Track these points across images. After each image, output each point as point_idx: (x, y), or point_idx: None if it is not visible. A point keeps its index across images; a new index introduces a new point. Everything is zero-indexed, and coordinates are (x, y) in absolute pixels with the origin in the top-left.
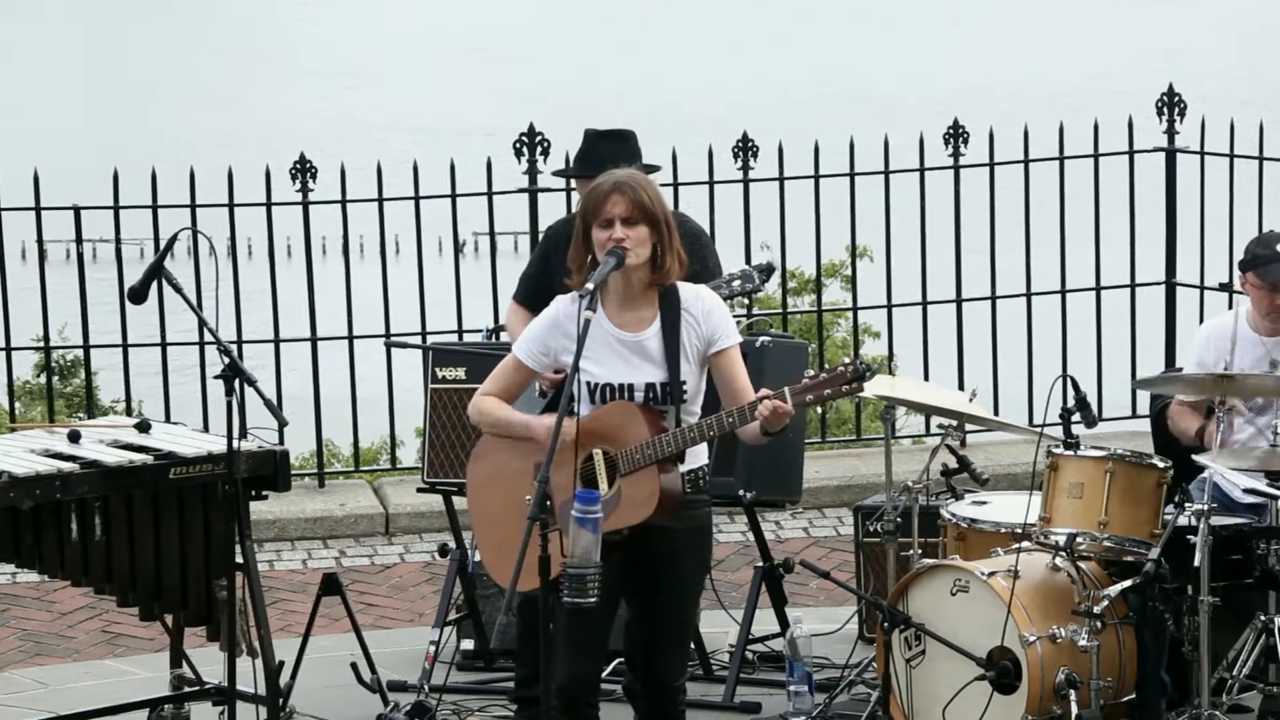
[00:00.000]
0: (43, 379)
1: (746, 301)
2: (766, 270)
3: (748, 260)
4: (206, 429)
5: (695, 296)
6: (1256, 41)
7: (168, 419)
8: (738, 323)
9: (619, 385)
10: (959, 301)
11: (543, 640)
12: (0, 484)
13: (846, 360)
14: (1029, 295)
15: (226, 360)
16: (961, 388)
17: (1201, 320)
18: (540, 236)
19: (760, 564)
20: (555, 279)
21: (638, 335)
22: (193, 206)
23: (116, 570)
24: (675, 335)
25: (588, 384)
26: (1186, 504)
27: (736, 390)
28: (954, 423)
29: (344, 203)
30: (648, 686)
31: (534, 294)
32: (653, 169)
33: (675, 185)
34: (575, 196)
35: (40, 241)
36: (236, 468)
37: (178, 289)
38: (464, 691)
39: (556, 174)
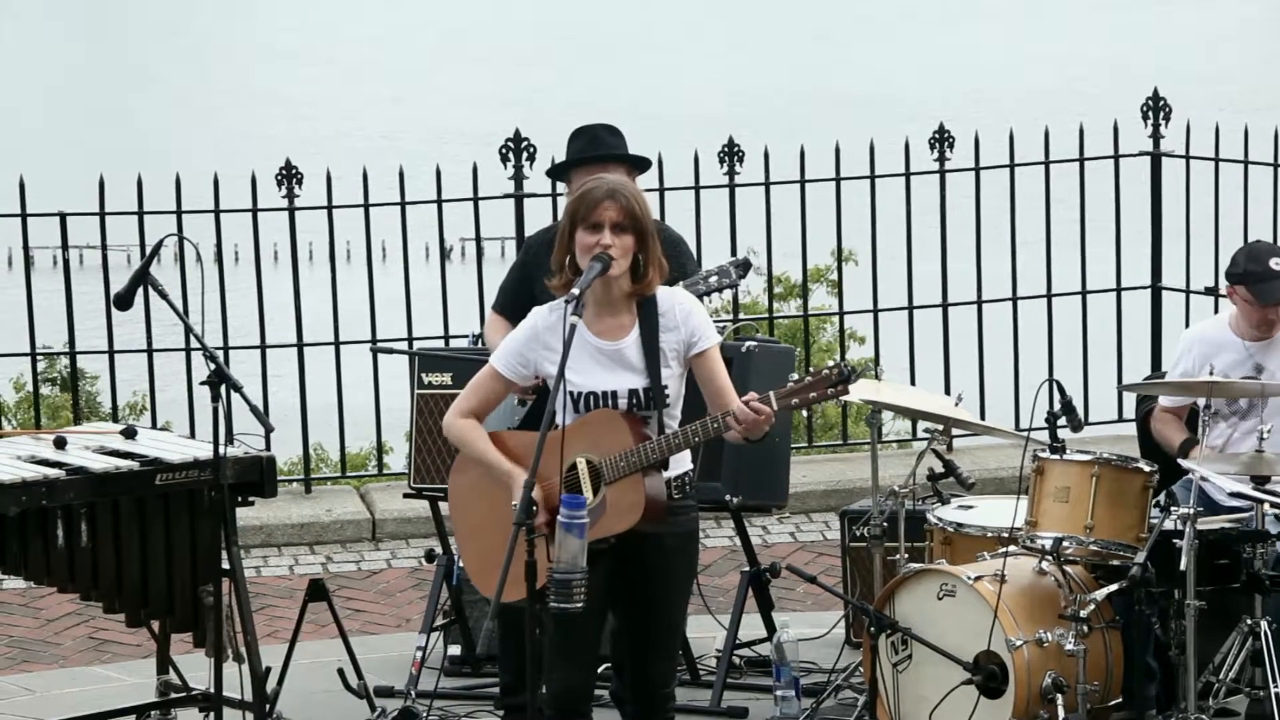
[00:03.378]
0: (44, 389)
1: (731, 303)
2: (743, 266)
3: None
4: (193, 435)
5: (673, 300)
6: (1240, 44)
7: (154, 425)
8: (722, 329)
9: (602, 393)
10: (945, 306)
11: (530, 647)
12: None
13: (831, 364)
14: (1015, 299)
15: (213, 366)
16: (948, 392)
17: (1188, 324)
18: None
19: (747, 569)
20: (535, 288)
21: (617, 343)
22: (178, 212)
23: (103, 577)
24: (654, 340)
25: (571, 393)
26: (1172, 508)
27: (718, 389)
28: (940, 427)
29: (330, 208)
30: (636, 693)
31: (513, 303)
32: (645, 162)
33: (661, 190)
34: (561, 202)
35: (26, 248)
36: (223, 474)
37: (163, 295)
38: (451, 697)
39: (555, 168)
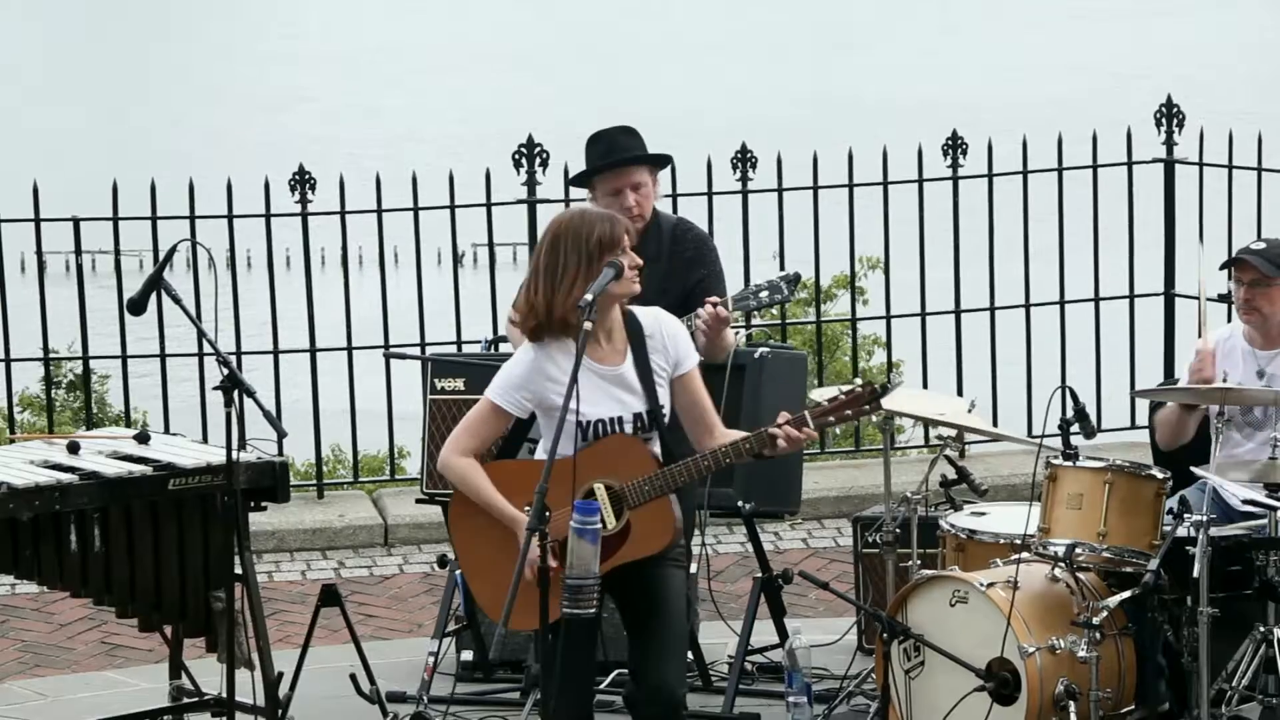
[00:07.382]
0: (53, 392)
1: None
2: (794, 280)
3: (746, 271)
4: (206, 440)
5: (655, 320)
6: (1254, 51)
7: (167, 430)
8: (734, 334)
9: (610, 419)
10: (958, 312)
11: (543, 657)
12: None
13: (862, 382)
14: (1028, 306)
15: (225, 371)
16: (960, 398)
17: (1200, 332)
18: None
19: (759, 575)
20: None
21: (617, 368)
22: (192, 218)
23: (115, 581)
24: (646, 362)
25: (579, 423)
26: (1185, 515)
27: (703, 411)
28: (953, 433)
29: (343, 214)
30: (649, 696)
31: None
32: (665, 159)
33: (674, 196)
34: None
35: (40, 253)
36: (235, 479)
37: (177, 300)
38: (463, 703)
39: (578, 177)
